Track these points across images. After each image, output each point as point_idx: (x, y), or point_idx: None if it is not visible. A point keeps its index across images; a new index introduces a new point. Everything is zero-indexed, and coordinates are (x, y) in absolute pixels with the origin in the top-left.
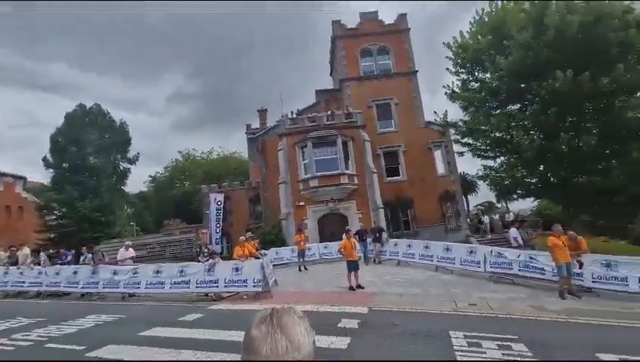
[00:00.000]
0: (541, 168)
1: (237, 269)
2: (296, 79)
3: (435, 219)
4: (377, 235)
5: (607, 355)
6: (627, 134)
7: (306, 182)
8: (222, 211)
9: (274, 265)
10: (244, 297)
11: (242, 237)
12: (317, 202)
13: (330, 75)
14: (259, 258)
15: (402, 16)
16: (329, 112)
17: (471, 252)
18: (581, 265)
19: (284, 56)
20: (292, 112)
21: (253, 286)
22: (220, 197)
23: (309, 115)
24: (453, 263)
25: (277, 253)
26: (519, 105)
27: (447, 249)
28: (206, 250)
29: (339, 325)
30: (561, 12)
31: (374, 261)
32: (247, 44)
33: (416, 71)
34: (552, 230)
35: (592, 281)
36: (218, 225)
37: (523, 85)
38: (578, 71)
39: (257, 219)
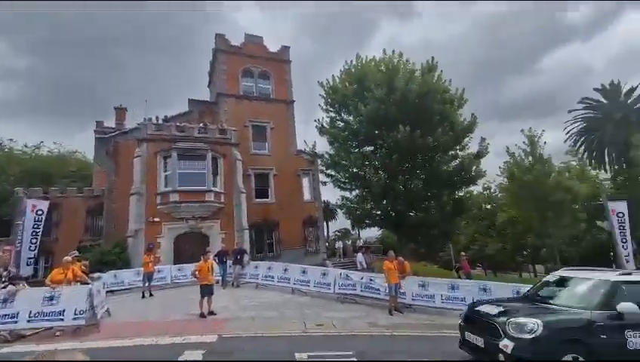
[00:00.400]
0: (384, 203)
1: (51, 298)
2: (170, 84)
3: (297, 243)
4: (238, 257)
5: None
6: (441, 182)
7: (166, 196)
8: (42, 223)
9: (110, 291)
10: (58, 334)
11: (67, 257)
12: (176, 219)
13: (208, 86)
14: (88, 283)
15: (285, 48)
16: (202, 124)
17: (324, 274)
18: (400, 286)
19: (159, 56)
20: (158, 117)
21: (74, 318)
22: (43, 204)
23: (178, 124)
24: (309, 285)
25: (116, 276)
26: (373, 147)
27: (304, 272)
28: (5, 273)
29: (180, 358)
30: (405, 79)
31: (233, 284)
32: (115, 29)
33: (294, 101)
34: (387, 255)
35: (412, 299)
36: (34, 241)
37: (377, 131)
38: (414, 128)
39: (96, 235)
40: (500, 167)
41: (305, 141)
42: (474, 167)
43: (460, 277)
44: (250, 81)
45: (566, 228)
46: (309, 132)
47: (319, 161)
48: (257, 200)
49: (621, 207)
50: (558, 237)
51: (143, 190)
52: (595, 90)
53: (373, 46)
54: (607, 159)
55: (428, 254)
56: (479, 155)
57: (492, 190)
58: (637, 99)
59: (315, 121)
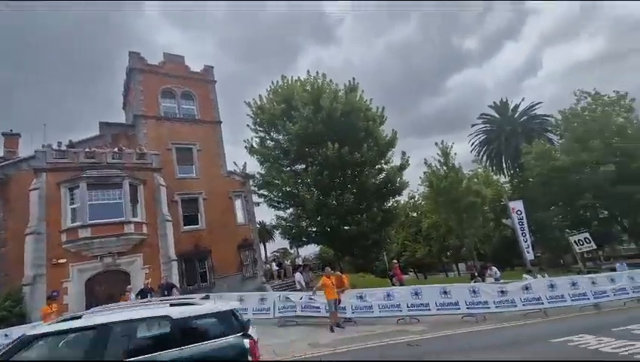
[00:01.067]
0: (319, 219)
1: None
2: (77, 108)
3: (232, 269)
4: (166, 293)
5: None
6: (371, 195)
7: (74, 232)
8: None
9: None
10: None
11: None
12: (88, 258)
13: (123, 108)
14: None
15: (209, 68)
16: (116, 149)
17: (262, 299)
18: (339, 301)
19: (65, 77)
20: (61, 143)
21: None
22: None
23: (88, 149)
24: (246, 313)
25: (7, 335)
26: (304, 165)
27: (240, 299)
28: None
29: None
30: (330, 99)
31: None
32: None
33: (221, 121)
34: (324, 271)
35: (352, 312)
36: None
37: (307, 149)
38: (342, 144)
39: None
40: (420, 178)
41: (234, 162)
42: (398, 179)
43: (394, 285)
44: (171, 102)
45: (479, 227)
46: (238, 153)
47: (251, 182)
48: (186, 227)
49: (519, 205)
50: (473, 236)
51: (43, 228)
52: (490, 106)
53: (298, 67)
54: (504, 165)
55: (365, 265)
56: (402, 168)
57: (416, 199)
58: (521, 113)
59: (245, 141)
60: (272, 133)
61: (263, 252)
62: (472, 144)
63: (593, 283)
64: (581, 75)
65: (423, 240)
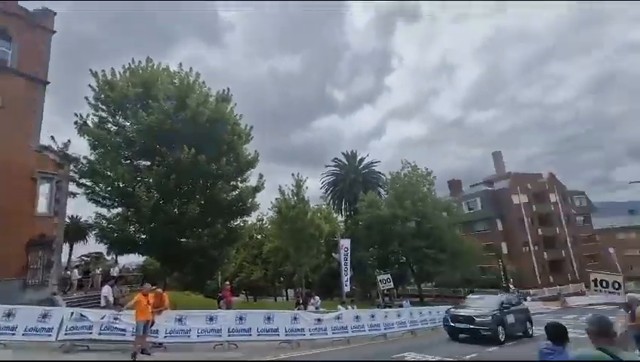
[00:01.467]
0: (152, 226)
1: None
2: None
3: (11, 272)
4: None
5: None
6: (219, 210)
7: None
8: None
9: None
10: None
11: None
12: None
13: None
14: None
15: (49, 13)
16: None
17: (44, 317)
18: (152, 322)
19: None
20: None
21: None
22: None
23: None
24: (14, 333)
25: None
26: (150, 162)
27: (9, 315)
28: None
29: None
30: (199, 101)
31: None
32: None
33: (48, 82)
34: (143, 286)
35: (165, 336)
36: None
37: (158, 146)
38: (199, 151)
39: None
40: (271, 202)
41: (52, 137)
42: (250, 200)
43: (220, 307)
44: None
45: (313, 257)
46: (66, 128)
47: (72, 166)
48: None
49: (347, 243)
50: (307, 265)
51: None
52: (343, 154)
53: (172, 56)
54: (343, 206)
55: (195, 282)
56: (257, 189)
57: (264, 222)
58: (363, 166)
59: (76, 115)
60: (117, 117)
61: (67, 255)
62: (323, 182)
63: (386, 316)
64: (409, 149)
65: (261, 263)
